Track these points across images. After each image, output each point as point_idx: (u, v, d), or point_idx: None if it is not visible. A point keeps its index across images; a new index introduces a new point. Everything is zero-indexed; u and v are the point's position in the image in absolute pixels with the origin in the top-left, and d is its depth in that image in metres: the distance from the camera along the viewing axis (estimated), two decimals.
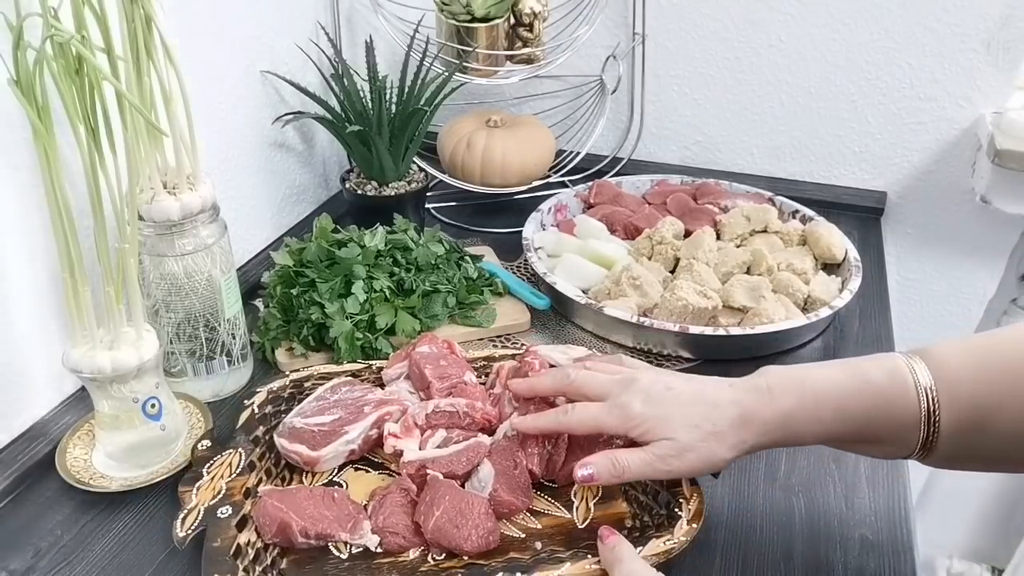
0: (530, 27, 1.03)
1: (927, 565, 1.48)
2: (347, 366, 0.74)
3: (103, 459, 0.66)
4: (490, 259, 0.95)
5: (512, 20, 1.03)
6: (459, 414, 0.67)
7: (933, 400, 0.50)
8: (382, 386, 0.73)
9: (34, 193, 0.65)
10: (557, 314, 0.89)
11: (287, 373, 0.73)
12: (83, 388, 0.72)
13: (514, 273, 0.94)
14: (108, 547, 0.60)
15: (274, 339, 0.79)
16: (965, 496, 1.40)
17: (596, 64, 1.17)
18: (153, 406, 0.64)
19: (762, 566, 0.59)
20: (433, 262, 0.83)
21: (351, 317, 0.76)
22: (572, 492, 0.64)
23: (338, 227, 0.87)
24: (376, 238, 0.83)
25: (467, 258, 0.88)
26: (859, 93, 1.10)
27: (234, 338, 0.74)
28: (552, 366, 0.71)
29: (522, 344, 0.83)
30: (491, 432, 0.68)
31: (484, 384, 0.73)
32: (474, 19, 0.99)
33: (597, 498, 0.64)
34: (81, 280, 0.59)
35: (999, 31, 1.00)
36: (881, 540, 0.61)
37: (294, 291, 0.78)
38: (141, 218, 0.66)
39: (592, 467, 0.56)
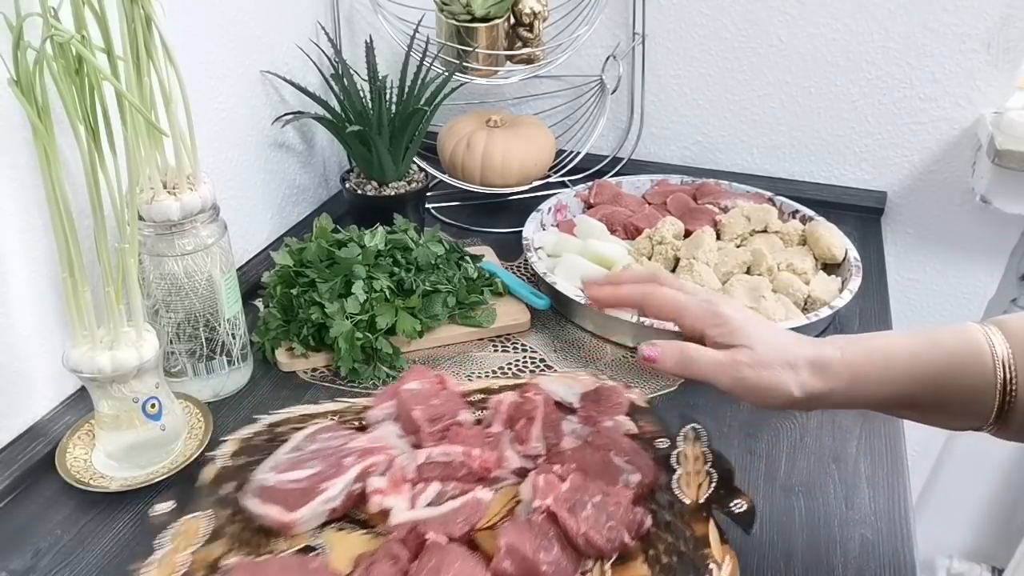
0: (530, 27, 1.03)
1: (927, 565, 1.48)
2: (328, 405, 0.68)
3: (103, 459, 0.66)
4: (490, 259, 0.95)
5: (512, 20, 1.03)
6: (454, 464, 0.60)
7: (1009, 367, 0.48)
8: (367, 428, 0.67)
9: (34, 193, 0.65)
10: (557, 314, 0.89)
11: (255, 418, 0.66)
12: (83, 388, 0.72)
13: (514, 273, 0.94)
14: (108, 547, 0.60)
15: (274, 339, 0.79)
16: (965, 496, 1.40)
17: (596, 64, 1.17)
18: (153, 406, 0.64)
19: (762, 566, 0.59)
20: (433, 262, 0.83)
21: (351, 317, 0.76)
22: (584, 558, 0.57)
23: (338, 227, 0.87)
24: (376, 238, 0.83)
25: (467, 258, 0.88)
26: (859, 93, 1.10)
27: (234, 338, 0.74)
28: (558, 403, 0.67)
29: (522, 356, 0.83)
30: (490, 480, 0.61)
31: (481, 420, 0.67)
32: (474, 19, 0.99)
33: (612, 560, 0.56)
34: (81, 280, 0.59)
35: (999, 31, 1.00)
36: (881, 540, 0.61)
37: (294, 291, 0.78)
38: (141, 218, 0.66)
39: (659, 348, 0.54)
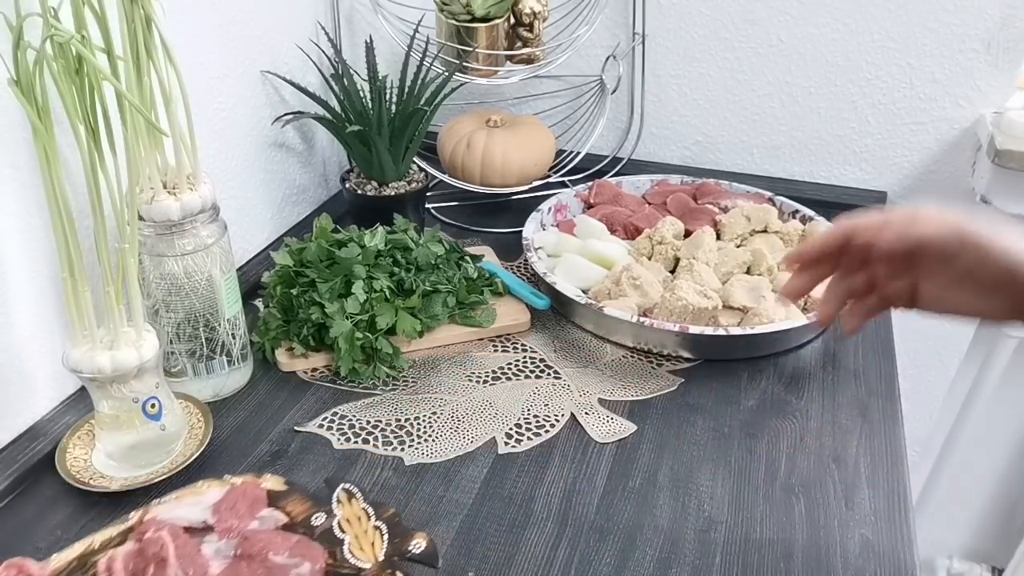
0: (530, 27, 1.03)
1: (927, 565, 1.48)
2: None
3: (103, 459, 0.66)
4: (490, 259, 0.96)
5: (512, 20, 1.03)
6: None
7: None
8: None
9: (34, 193, 0.65)
10: (557, 314, 0.89)
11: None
12: (83, 388, 0.72)
13: (514, 273, 0.94)
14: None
15: (274, 339, 0.79)
16: (965, 496, 1.40)
17: (596, 64, 1.17)
18: (153, 406, 0.64)
19: (762, 566, 0.59)
20: (433, 262, 0.83)
21: (351, 317, 0.76)
22: None
23: (338, 227, 0.87)
24: (376, 238, 0.83)
25: (467, 258, 0.88)
26: (859, 93, 1.10)
27: (234, 338, 0.74)
28: (187, 528, 0.55)
29: (522, 356, 0.83)
30: None
31: None
32: (474, 19, 0.99)
33: None
34: (81, 280, 0.59)
35: (999, 31, 1.00)
36: (881, 540, 0.61)
37: (294, 291, 0.78)
38: (141, 218, 0.66)
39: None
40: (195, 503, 0.57)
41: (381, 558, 0.53)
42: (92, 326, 0.61)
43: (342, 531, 0.56)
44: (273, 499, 0.59)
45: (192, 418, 0.71)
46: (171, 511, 0.56)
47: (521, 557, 0.60)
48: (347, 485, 0.59)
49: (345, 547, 0.54)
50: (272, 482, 0.60)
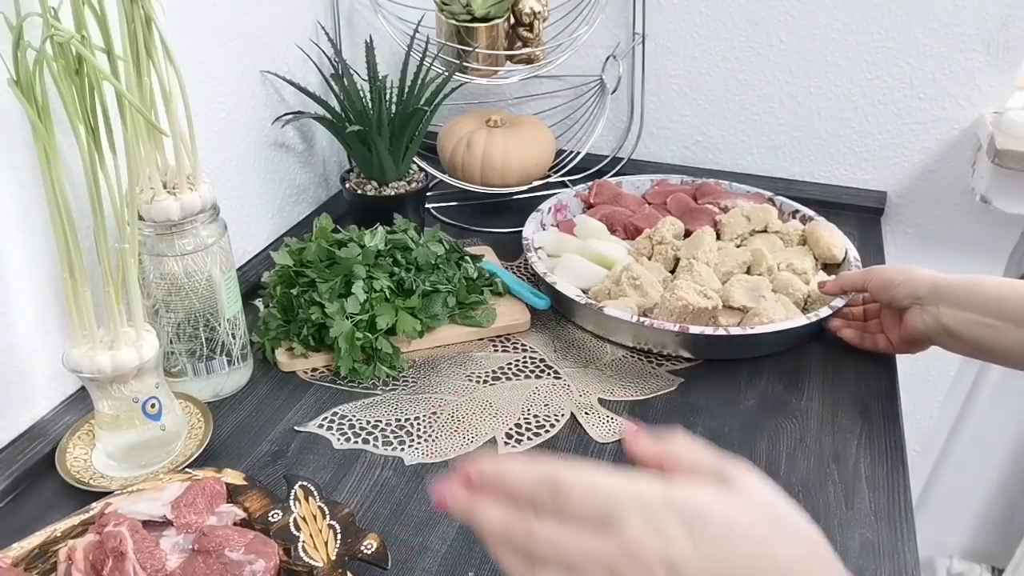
0: (530, 27, 1.03)
1: (927, 565, 1.48)
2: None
3: (103, 459, 0.66)
4: (490, 259, 0.96)
5: (512, 20, 1.03)
6: None
7: None
8: None
9: (34, 193, 0.65)
10: (557, 314, 0.89)
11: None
12: (83, 388, 0.72)
13: (514, 273, 0.94)
14: None
15: (274, 339, 0.79)
16: (965, 496, 1.40)
17: (596, 64, 1.17)
18: (153, 406, 0.64)
19: None
20: (433, 262, 0.83)
21: (351, 317, 0.76)
22: None
23: (338, 227, 0.87)
24: (376, 238, 0.83)
25: (467, 258, 0.88)
26: (859, 93, 1.10)
27: (234, 338, 0.74)
28: (147, 522, 0.56)
29: (522, 356, 0.83)
30: None
31: None
32: (474, 19, 0.99)
33: None
34: (81, 280, 0.59)
35: (999, 31, 1.00)
36: (881, 540, 0.61)
37: (294, 291, 0.78)
38: (141, 218, 0.66)
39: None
40: (155, 497, 0.57)
41: (333, 557, 0.54)
42: (92, 326, 0.61)
43: (297, 529, 0.56)
44: (232, 494, 0.59)
45: (192, 418, 0.71)
46: (132, 504, 0.57)
47: None
48: (304, 482, 0.58)
49: (299, 545, 0.54)
50: (232, 476, 0.60)
